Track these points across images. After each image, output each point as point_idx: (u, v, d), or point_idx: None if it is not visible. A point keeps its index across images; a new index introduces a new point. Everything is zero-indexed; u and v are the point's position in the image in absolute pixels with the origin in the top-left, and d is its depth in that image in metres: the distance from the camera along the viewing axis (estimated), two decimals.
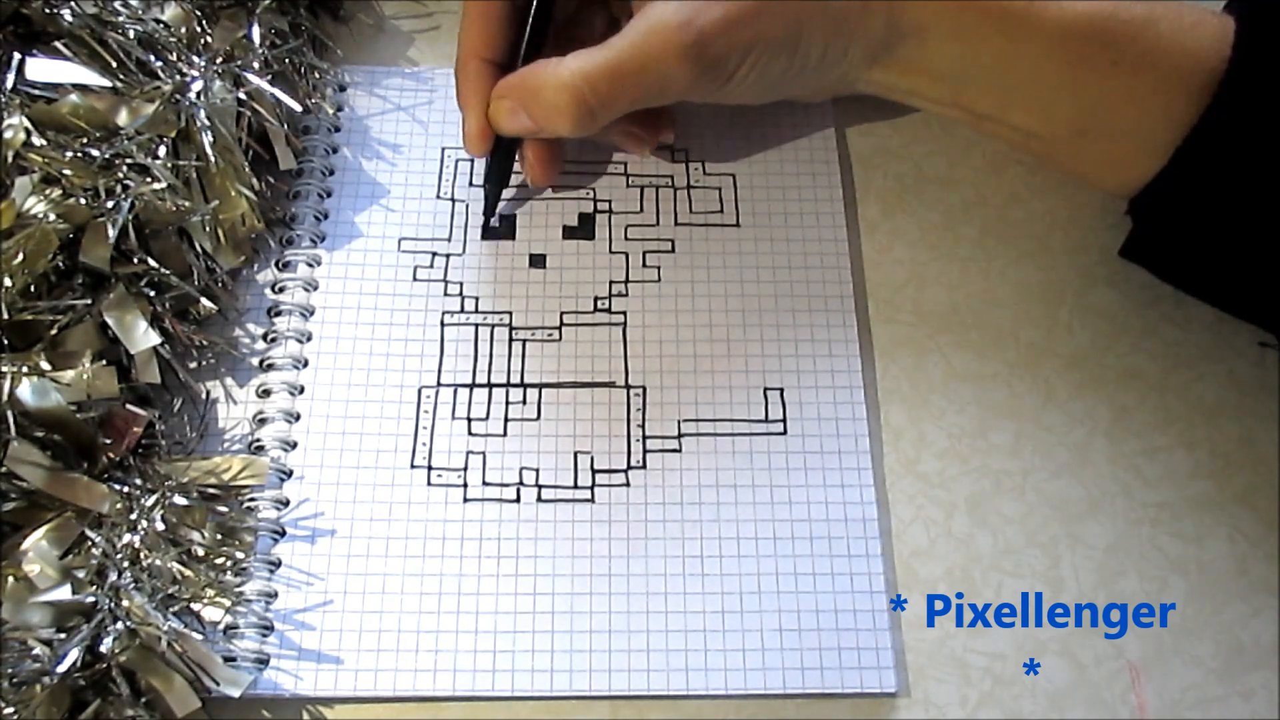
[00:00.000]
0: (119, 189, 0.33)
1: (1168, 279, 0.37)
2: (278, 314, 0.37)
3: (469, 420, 0.35)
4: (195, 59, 0.36)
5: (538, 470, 0.34)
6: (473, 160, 0.40)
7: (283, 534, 0.33)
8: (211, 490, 0.33)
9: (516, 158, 0.38)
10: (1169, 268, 0.37)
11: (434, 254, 0.38)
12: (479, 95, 0.36)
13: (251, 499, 0.33)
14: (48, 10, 0.35)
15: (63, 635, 0.29)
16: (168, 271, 0.34)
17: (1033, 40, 0.33)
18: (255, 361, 0.36)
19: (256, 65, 0.37)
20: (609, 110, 0.34)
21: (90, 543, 0.31)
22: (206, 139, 0.35)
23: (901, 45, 0.35)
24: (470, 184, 0.40)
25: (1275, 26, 0.32)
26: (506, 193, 0.39)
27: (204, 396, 0.35)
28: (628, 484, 0.34)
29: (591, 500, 0.34)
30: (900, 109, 0.41)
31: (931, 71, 0.36)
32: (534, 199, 0.39)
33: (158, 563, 0.31)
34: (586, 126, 0.34)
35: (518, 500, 0.34)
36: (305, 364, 0.36)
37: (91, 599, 0.29)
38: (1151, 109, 0.33)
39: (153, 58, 0.36)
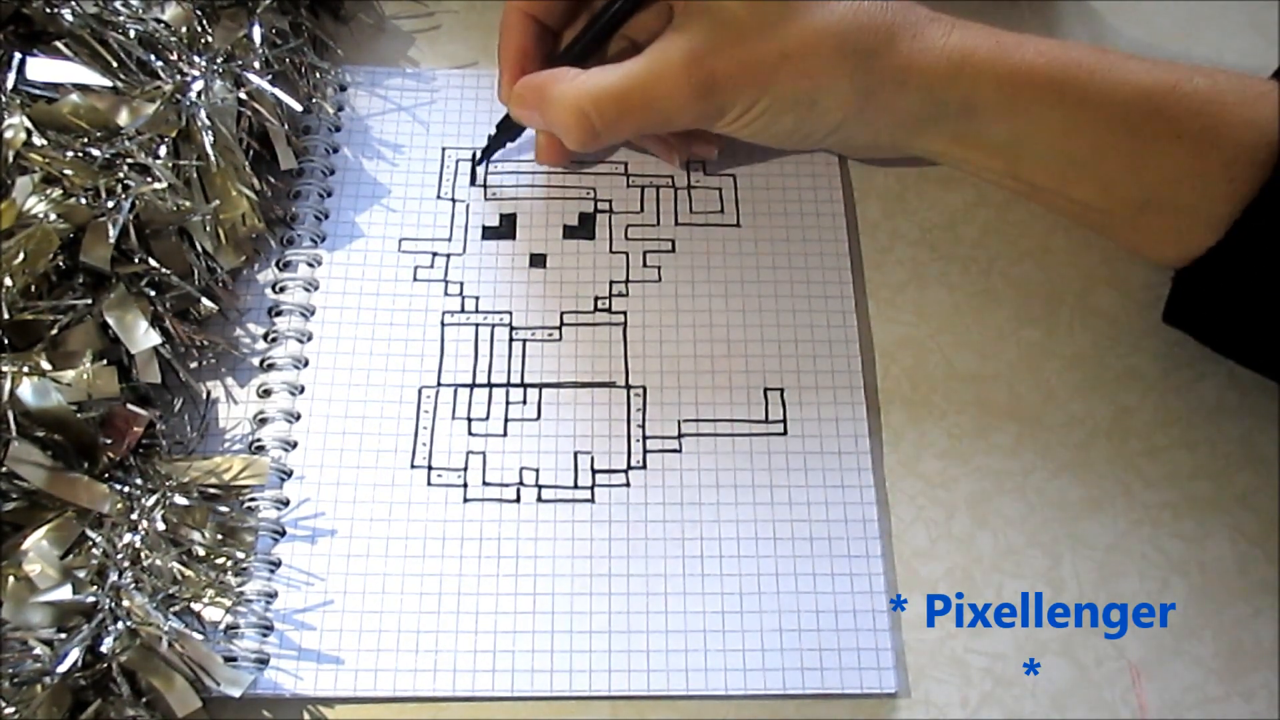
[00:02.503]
0: (119, 189, 0.33)
1: (1212, 345, 0.36)
2: (278, 314, 0.37)
3: (469, 420, 0.35)
4: (196, 59, 0.36)
5: (538, 470, 0.34)
6: (472, 160, 0.40)
7: (283, 534, 0.33)
8: (212, 490, 0.33)
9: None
10: (1214, 334, 0.35)
11: (434, 254, 0.38)
12: (512, 48, 0.36)
13: (252, 499, 0.33)
14: (48, 10, 0.35)
15: (63, 635, 0.29)
16: (168, 271, 0.34)
17: (1093, 115, 0.33)
18: (256, 361, 0.36)
19: (257, 65, 0.37)
20: (613, 134, 0.35)
21: (91, 543, 0.31)
22: (207, 139, 0.35)
23: (947, 119, 0.34)
24: (471, 184, 0.40)
25: None
26: (507, 192, 0.39)
27: (204, 396, 0.35)
28: (628, 484, 0.34)
29: (591, 500, 0.34)
30: None
31: (984, 145, 0.35)
32: (534, 199, 0.39)
33: (158, 563, 0.31)
34: (590, 145, 0.35)
35: (518, 500, 0.34)
36: (306, 364, 0.36)
37: (92, 599, 0.29)
38: (1214, 183, 0.32)
39: (153, 57, 0.36)
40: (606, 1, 0.36)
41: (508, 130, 0.38)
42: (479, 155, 0.39)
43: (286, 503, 0.34)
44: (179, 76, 0.35)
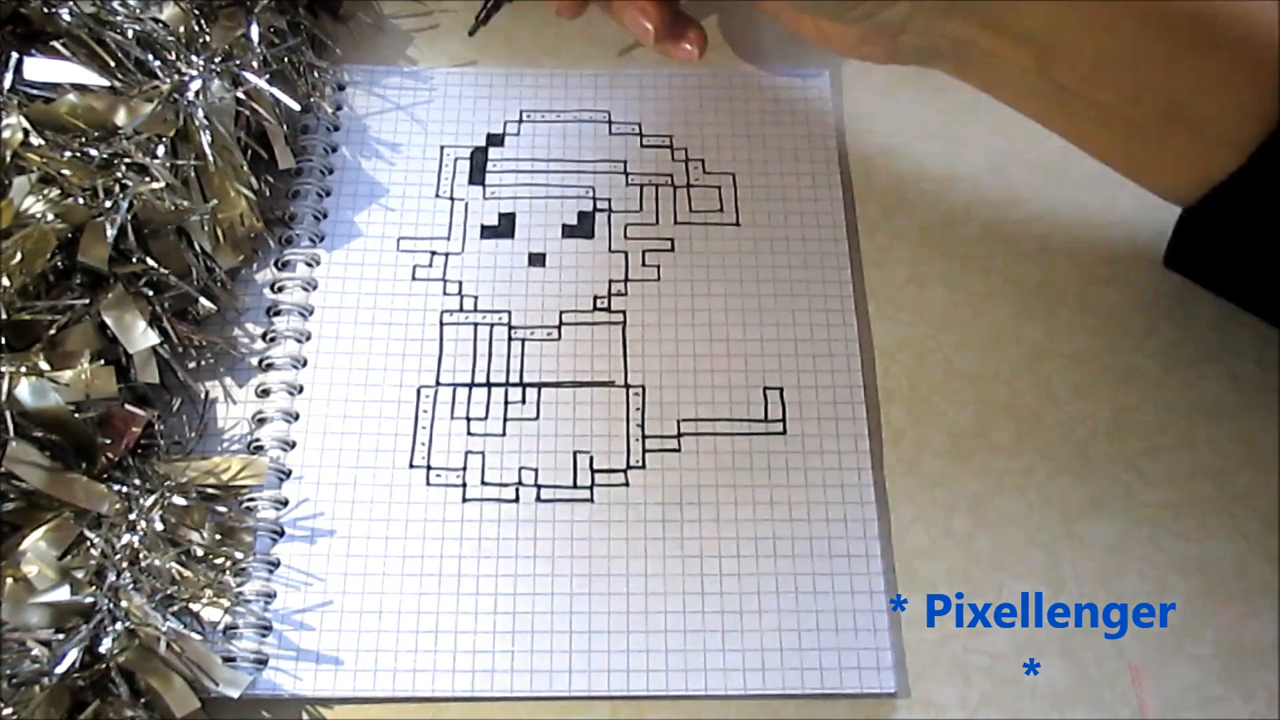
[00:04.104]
0: (117, 189, 0.33)
1: (1214, 288, 0.35)
2: (277, 313, 0.37)
3: (468, 420, 0.35)
4: (194, 58, 0.36)
5: (537, 470, 0.34)
6: (471, 158, 0.40)
7: (282, 534, 0.33)
8: (211, 490, 0.33)
9: None
10: (1220, 277, 0.35)
11: (433, 253, 0.38)
12: None
13: (250, 499, 0.33)
14: (46, 10, 0.35)
15: (62, 636, 0.29)
16: (166, 271, 0.34)
17: (1136, 12, 0.31)
18: (254, 361, 0.36)
19: (255, 64, 0.37)
20: None
21: (89, 543, 0.31)
22: (205, 138, 0.35)
23: None
24: (469, 183, 0.40)
25: None
26: (506, 191, 0.39)
27: (203, 396, 0.35)
28: (627, 484, 0.34)
29: (591, 500, 0.34)
30: (901, 106, 0.41)
31: (1017, 32, 0.33)
32: (534, 198, 0.39)
33: (157, 563, 0.31)
34: None
35: (517, 500, 0.34)
36: (304, 364, 0.36)
37: (90, 599, 0.29)
38: (1244, 98, 0.31)
39: (151, 57, 0.36)
40: None
41: None
42: (478, 13, 0.38)
43: (285, 503, 0.34)
44: (177, 76, 0.35)
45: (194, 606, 0.32)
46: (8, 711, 0.28)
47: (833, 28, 0.36)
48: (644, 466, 0.35)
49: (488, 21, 0.39)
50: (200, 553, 0.32)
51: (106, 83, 0.35)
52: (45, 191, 0.33)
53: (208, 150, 0.35)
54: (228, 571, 0.32)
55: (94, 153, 0.33)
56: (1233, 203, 0.32)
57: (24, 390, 0.30)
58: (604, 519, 0.34)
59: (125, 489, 0.32)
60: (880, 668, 0.32)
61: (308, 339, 0.36)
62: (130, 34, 0.35)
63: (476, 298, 0.37)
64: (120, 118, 0.34)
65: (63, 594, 0.29)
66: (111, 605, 0.29)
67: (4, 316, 0.31)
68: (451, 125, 0.41)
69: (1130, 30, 0.32)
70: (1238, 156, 0.31)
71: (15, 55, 0.34)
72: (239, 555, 0.32)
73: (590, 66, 0.42)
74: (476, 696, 0.31)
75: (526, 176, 0.40)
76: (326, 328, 0.37)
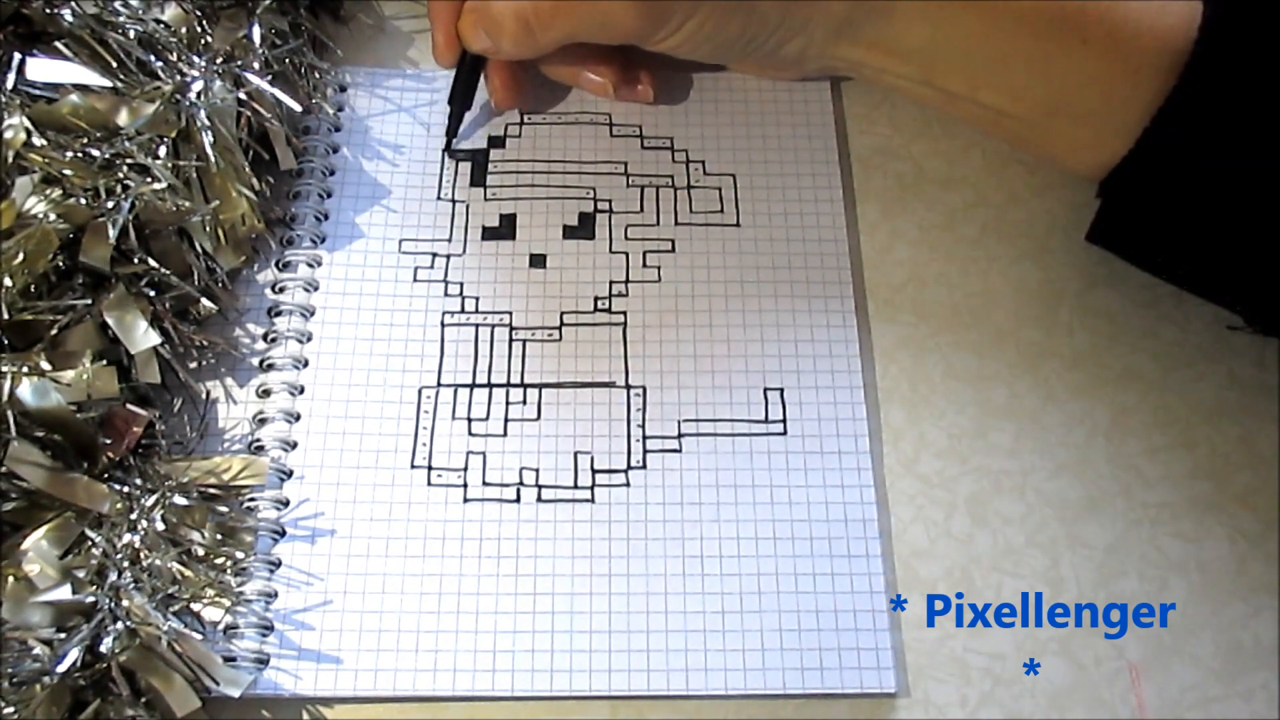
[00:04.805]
0: (119, 189, 0.33)
1: (1134, 260, 0.37)
2: (278, 314, 0.37)
3: (469, 420, 0.35)
4: (195, 59, 0.36)
5: (538, 470, 0.34)
6: (472, 161, 0.40)
7: (283, 534, 0.33)
8: (211, 490, 0.33)
9: (483, 82, 0.40)
10: (1135, 249, 0.36)
11: (434, 254, 0.38)
12: (449, 10, 0.38)
13: (251, 499, 0.33)
14: (48, 10, 0.35)
15: (63, 635, 0.29)
16: (168, 271, 0.34)
17: (1003, 18, 0.34)
18: (255, 361, 0.36)
19: (257, 65, 0.37)
20: (548, 33, 0.35)
21: (90, 543, 0.31)
22: (207, 139, 0.35)
23: (868, 23, 0.35)
24: (470, 185, 0.40)
25: (1241, 8, 0.32)
26: (507, 193, 0.39)
27: (204, 396, 0.35)
28: (628, 484, 0.34)
29: (591, 500, 0.34)
30: (900, 106, 0.41)
31: (900, 50, 0.36)
32: (534, 199, 0.39)
33: (158, 563, 0.31)
34: (526, 46, 0.36)
35: (518, 500, 0.34)
36: (305, 364, 0.36)
37: (91, 599, 0.29)
38: (1120, 89, 0.33)
39: (153, 58, 0.36)
40: None
41: (461, 93, 0.39)
42: (447, 130, 0.40)
43: (286, 503, 0.34)
44: (179, 77, 0.35)
45: (195, 606, 0.32)
46: (9, 710, 0.28)
47: (742, 64, 0.40)
48: (645, 467, 0.35)
49: (456, 133, 0.40)
50: (201, 552, 0.32)
51: (108, 83, 0.35)
52: (47, 192, 0.33)
53: (209, 151, 0.35)
54: (229, 571, 0.32)
55: (96, 153, 0.33)
56: (1132, 183, 0.34)
57: (25, 390, 0.30)
58: (605, 519, 0.34)
59: (126, 489, 0.32)
60: (880, 667, 0.32)
61: (309, 339, 0.36)
62: (132, 35, 0.36)
63: (478, 299, 0.37)
64: (122, 118, 0.34)
65: (64, 593, 0.29)
66: (112, 605, 0.29)
67: (6, 316, 0.31)
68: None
69: (999, 38, 0.34)
70: (1127, 141, 0.33)
71: (17, 56, 0.34)
72: (240, 555, 0.32)
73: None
74: (477, 696, 0.31)
75: (527, 178, 0.40)
76: (328, 328, 0.37)
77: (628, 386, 0.36)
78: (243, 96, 0.36)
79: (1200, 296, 0.37)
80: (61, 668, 0.28)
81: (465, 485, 0.34)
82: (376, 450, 0.35)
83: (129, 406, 0.32)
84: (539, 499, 0.34)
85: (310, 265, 0.38)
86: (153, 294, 0.34)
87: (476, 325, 0.37)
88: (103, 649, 0.29)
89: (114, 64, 0.35)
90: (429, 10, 0.39)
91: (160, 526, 0.31)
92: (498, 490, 0.34)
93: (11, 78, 0.34)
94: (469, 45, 0.38)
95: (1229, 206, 0.33)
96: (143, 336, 0.33)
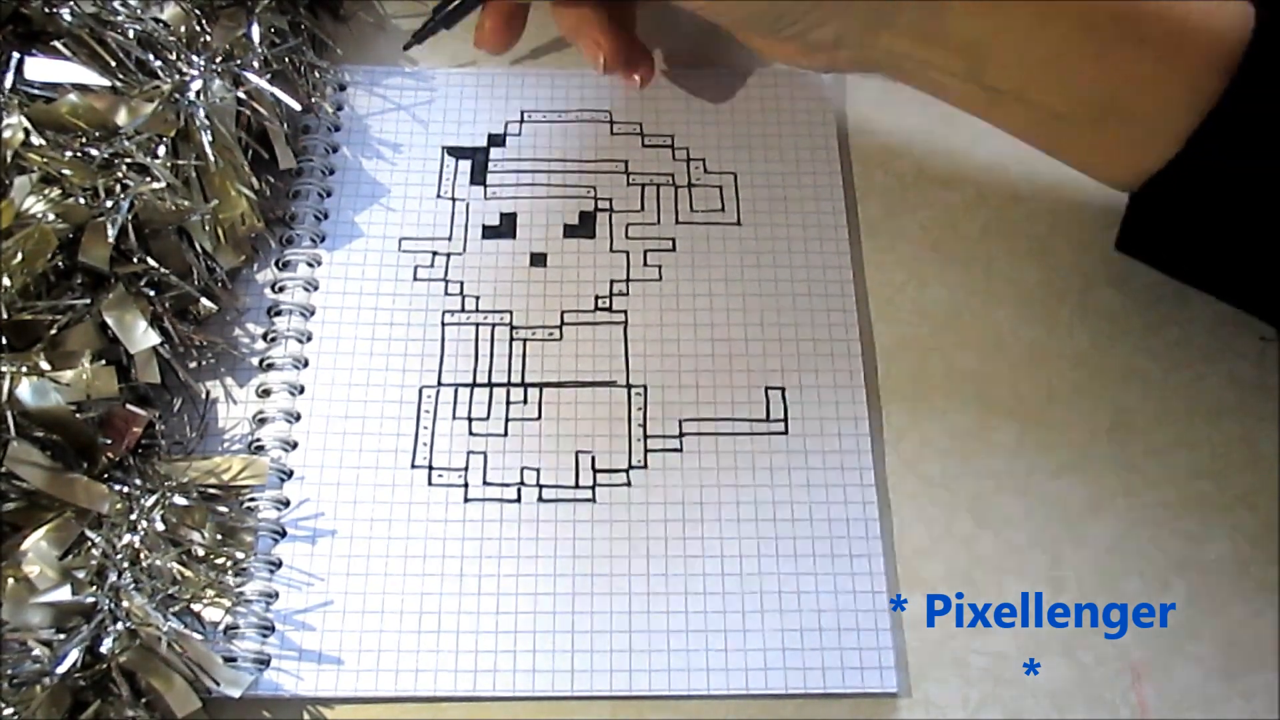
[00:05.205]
0: (118, 189, 0.33)
1: (1167, 270, 0.36)
2: (278, 314, 0.37)
3: (470, 420, 0.35)
4: (194, 58, 0.36)
5: (539, 470, 0.34)
6: (473, 158, 0.40)
7: (283, 534, 0.33)
8: (211, 490, 0.33)
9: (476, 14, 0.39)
10: (1170, 258, 0.36)
11: (434, 253, 0.38)
12: None
13: (252, 499, 0.33)
14: (47, 10, 0.35)
15: (63, 636, 0.29)
16: (167, 271, 0.34)
17: (1060, 13, 0.32)
18: (255, 361, 0.36)
19: (256, 64, 0.37)
20: None
21: (90, 543, 0.31)
22: (206, 138, 0.35)
23: (916, 12, 0.33)
24: (470, 183, 0.40)
25: None
26: (507, 191, 0.39)
27: (204, 396, 0.35)
28: (629, 484, 0.34)
29: (592, 500, 0.34)
30: (902, 106, 0.41)
31: (949, 42, 0.34)
32: (535, 198, 0.39)
33: (158, 563, 0.31)
34: None
35: (518, 500, 0.34)
36: (305, 364, 0.36)
37: (91, 599, 0.29)
38: (1174, 91, 0.32)
39: (152, 57, 0.36)
40: None
41: (448, 16, 0.38)
42: (419, 28, 0.39)
43: (286, 503, 0.34)
44: (178, 76, 0.35)
45: (195, 606, 0.32)
46: (9, 711, 0.28)
47: (769, 43, 0.37)
48: (646, 466, 0.35)
49: (423, 40, 0.39)
50: (201, 553, 0.32)
51: (107, 83, 0.35)
52: (46, 191, 0.33)
53: (208, 150, 0.35)
54: (229, 571, 0.32)
55: (95, 153, 0.33)
56: (1174, 189, 0.33)
57: (25, 390, 0.30)
58: (606, 519, 0.34)
59: (126, 489, 0.32)
60: (881, 668, 0.32)
61: (309, 339, 0.36)
62: (131, 34, 0.35)
63: (478, 298, 0.37)
64: (121, 118, 0.34)
65: (64, 594, 0.29)
66: (112, 605, 0.29)
67: (5, 316, 0.31)
68: (453, 126, 0.41)
69: (1056, 33, 0.33)
70: (1174, 145, 0.32)
71: (16, 55, 0.34)
72: (240, 555, 0.32)
73: (591, 66, 0.42)
74: (477, 696, 0.31)
75: (528, 176, 0.40)
76: (328, 328, 0.37)
77: (628, 386, 0.36)
78: (242, 95, 0.36)
79: (1235, 306, 0.36)
80: (61, 668, 0.28)
81: (466, 485, 0.34)
82: (377, 450, 0.35)
83: (129, 406, 0.32)
84: (540, 499, 0.34)
85: (310, 264, 0.37)
86: (152, 294, 0.34)
87: (477, 324, 0.37)
88: (103, 649, 0.29)
89: (113, 63, 0.35)
90: None
91: (160, 527, 0.31)
92: (498, 490, 0.34)
93: (10, 77, 0.34)
94: None
95: (1272, 214, 0.32)
96: (142, 336, 0.33)
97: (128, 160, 0.33)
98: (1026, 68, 0.34)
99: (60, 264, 0.33)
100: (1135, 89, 0.33)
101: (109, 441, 0.32)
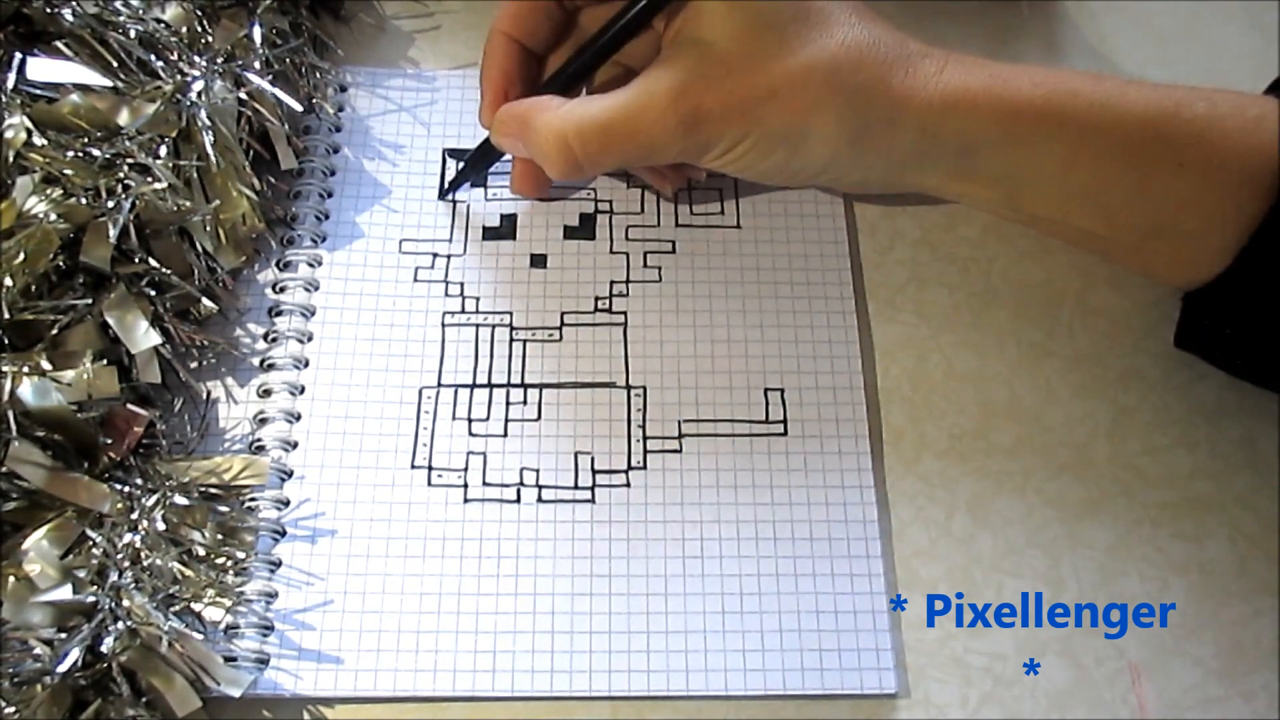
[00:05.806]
0: (120, 189, 0.33)
1: (1226, 368, 0.36)
2: (278, 314, 0.37)
3: (469, 420, 0.35)
4: (196, 59, 0.36)
5: (538, 470, 0.34)
6: (441, 184, 0.40)
7: (283, 534, 0.33)
8: (212, 490, 0.33)
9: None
10: (1227, 359, 0.35)
11: (435, 254, 0.38)
12: (495, 72, 0.36)
13: (252, 499, 0.33)
14: (49, 10, 0.35)
15: (63, 635, 0.29)
16: (168, 271, 0.34)
17: (1093, 146, 0.32)
18: (256, 361, 0.36)
19: (257, 65, 0.37)
20: (595, 166, 0.34)
21: (91, 543, 0.31)
22: (207, 139, 0.35)
23: (945, 158, 0.34)
24: (470, 184, 0.40)
25: None
26: (507, 193, 0.39)
27: (205, 396, 0.35)
28: (628, 484, 0.34)
29: (592, 500, 0.34)
30: None
31: (983, 179, 0.34)
32: (535, 200, 0.39)
33: (158, 563, 0.31)
34: (572, 176, 0.34)
35: (518, 501, 0.34)
36: (306, 364, 0.36)
37: (92, 599, 0.29)
38: (1219, 210, 0.32)
39: (153, 57, 0.36)
40: (596, 32, 0.35)
41: (487, 155, 0.38)
42: (454, 178, 0.39)
43: (287, 503, 0.34)
44: (179, 76, 0.35)
45: (196, 606, 0.32)
46: (9, 710, 0.28)
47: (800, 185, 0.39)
48: (645, 467, 0.35)
49: (454, 192, 0.39)
50: (202, 552, 0.32)
51: (109, 83, 0.35)
52: (48, 191, 0.33)
53: (210, 151, 0.35)
54: (229, 571, 0.32)
55: (96, 153, 0.33)
56: (1226, 296, 0.33)
57: (26, 390, 0.30)
58: (605, 519, 0.34)
59: (127, 489, 0.32)
60: (880, 668, 0.32)
61: (309, 339, 0.36)
62: (133, 34, 0.36)
63: (478, 299, 0.37)
64: (123, 118, 0.34)
65: (64, 593, 0.29)
66: (113, 604, 0.29)
67: (6, 316, 0.31)
68: (454, 127, 0.41)
69: (1092, 164, 0.33)
70: (1224, 259, 0.32)
71: (18, 55, 0.34)
72: (240, 555, 0.32)
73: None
74: (477, 696, 0.31)
75: None
76: (328, 328, 0.37)
77: (628, 386, 0.36)
78: (243, 96, 0.36)
79: None
80: (62, 668, 0.28)
81: (466, 485, 0.34)
82: (377, 450, 0.35)
83: (129, 406, 0.32)
84: (539, 499, 0.34)
85: (311, 265, 0.38)
86: (153, 294, 0.34)
87: (477, 325, 0.37)
88: (103, 649, 0.29)
89: (114, 63, 0.35)
90: (482, 74, 0.36)
91: (161, 526, 0.31)
92: (498, 490, 0.34)
93: (12, 77, 0.34)
94: (501, 147, 0.36)
95: None
96: (143, 336, 0.33)
97: (129, 160, 0.34)
98: (1065, 198, 0.34)
99: (62, 264, 0.33)
100: (1176, 211, 0.32)
101: (110, 441, 0.32)
